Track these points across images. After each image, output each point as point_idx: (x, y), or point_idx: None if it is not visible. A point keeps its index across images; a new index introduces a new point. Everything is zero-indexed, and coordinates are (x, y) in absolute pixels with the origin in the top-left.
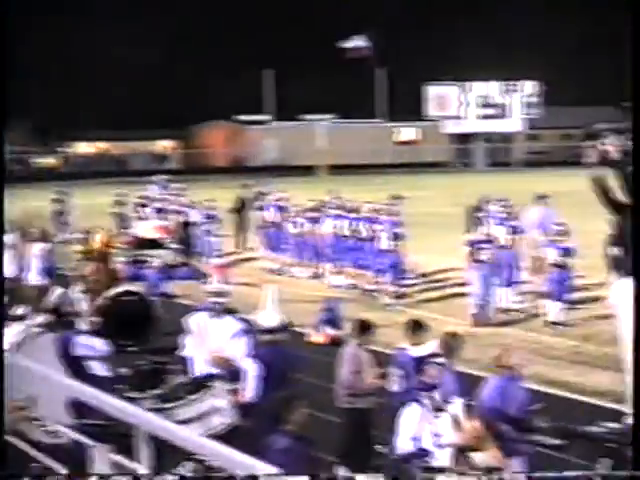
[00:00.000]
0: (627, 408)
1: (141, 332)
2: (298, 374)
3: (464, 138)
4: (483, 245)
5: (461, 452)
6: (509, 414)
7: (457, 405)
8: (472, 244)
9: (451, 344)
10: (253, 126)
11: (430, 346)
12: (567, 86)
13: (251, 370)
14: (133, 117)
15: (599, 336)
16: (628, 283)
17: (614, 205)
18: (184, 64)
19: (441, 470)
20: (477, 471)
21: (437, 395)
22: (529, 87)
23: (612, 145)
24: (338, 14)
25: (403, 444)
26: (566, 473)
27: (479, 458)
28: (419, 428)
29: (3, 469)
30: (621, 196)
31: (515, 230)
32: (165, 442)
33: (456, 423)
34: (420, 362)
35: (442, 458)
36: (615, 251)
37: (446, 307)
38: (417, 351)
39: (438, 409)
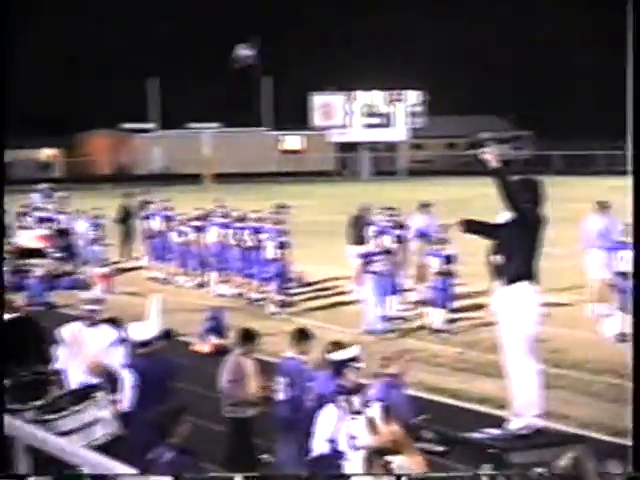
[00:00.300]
0: (509, 414)
1: (31, 359)
2: (181, 384)
3: (349, 147)
4: (375, 257)
5: (378, 455)
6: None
7: (375, 408)
8: (365, 256)
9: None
10: (138, 134)
11: (351, 351)
12: (451, 95)
13: (127, 380)
14: (16, 124)
15: (482, 343)
16: (509, 290)
17: (486, 232)
18: (68, 71)
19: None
20: (389, 475)
21: (356, 398)
22: (413, 96)
23: (491, 154)
24: (224, 23)
25: (319, 446)
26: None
27: (398, 462)
28: (335, 430)
29: (2, 469)
30: (486, 220)
31: (399, 239)
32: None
33: (372, 426)
34: (340, 366)
35: (357, 460)
36: (497, 259)
37: (331, 315)
38: (337, 355)
39: (356, 412)
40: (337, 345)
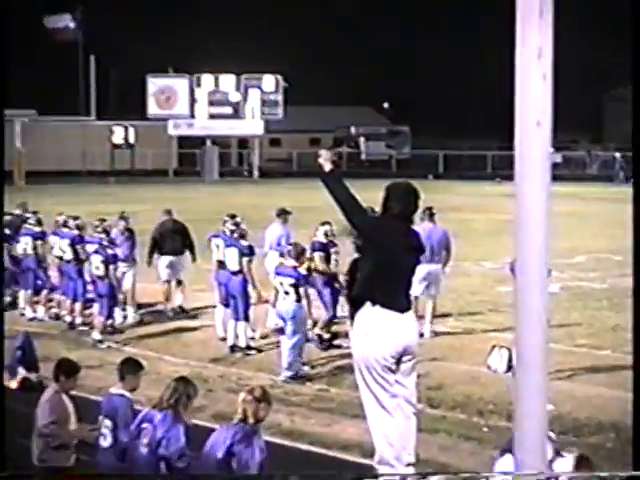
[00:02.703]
0: (377, 463)
1: None
2: None
3: (193, 141)
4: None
5: None
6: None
7: None
8: (297, 278)
9: (181, 391)
10: None
11: None
12: (314, 83)
13: None
14: None
15: (347, 379)
16: (358, 316)
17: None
18: None
19: None
20: None
21: None
22: (270, 82)
23: (326, 159)
24: None
25: None
26: None
27: None
28: None
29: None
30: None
31: (248, 252)
32: None
33: None
34: None
35: None
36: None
37: (169, 344)
38: None
39: None
40: (181, 382)
